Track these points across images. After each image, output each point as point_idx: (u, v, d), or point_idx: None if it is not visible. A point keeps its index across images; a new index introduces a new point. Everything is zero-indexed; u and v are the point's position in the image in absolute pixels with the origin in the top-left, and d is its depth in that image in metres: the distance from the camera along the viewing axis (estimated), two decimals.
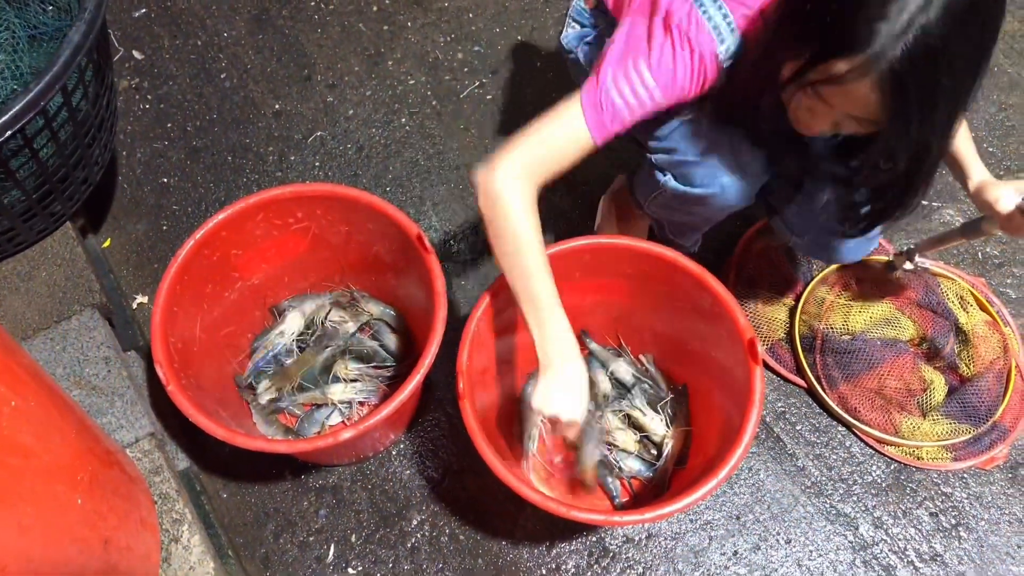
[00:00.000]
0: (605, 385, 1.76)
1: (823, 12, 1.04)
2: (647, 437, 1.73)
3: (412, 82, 2.25)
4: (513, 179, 1.22)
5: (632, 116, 1.23)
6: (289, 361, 1.76)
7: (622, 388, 1.78)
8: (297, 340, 1.78)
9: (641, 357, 1.79)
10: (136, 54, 2.30)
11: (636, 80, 1.20)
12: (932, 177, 1.19)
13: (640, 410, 1.71)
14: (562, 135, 1.24)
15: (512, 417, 1.74)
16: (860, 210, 1.35)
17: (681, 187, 1.43)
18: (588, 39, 1.56)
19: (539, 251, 1.25)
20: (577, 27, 1.58)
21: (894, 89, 1.00)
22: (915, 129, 1.06)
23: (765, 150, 1.39)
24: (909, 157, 1.14)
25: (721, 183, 1.39)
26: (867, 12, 0.97)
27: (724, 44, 1.19)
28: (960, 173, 1.44)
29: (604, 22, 1.52)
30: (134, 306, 1.92)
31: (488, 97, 2.22)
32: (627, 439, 1.71)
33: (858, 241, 1.54)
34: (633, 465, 1.69)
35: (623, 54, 1.22)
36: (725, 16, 1.18)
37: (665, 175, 1.44)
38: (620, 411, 1.73)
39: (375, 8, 2.38)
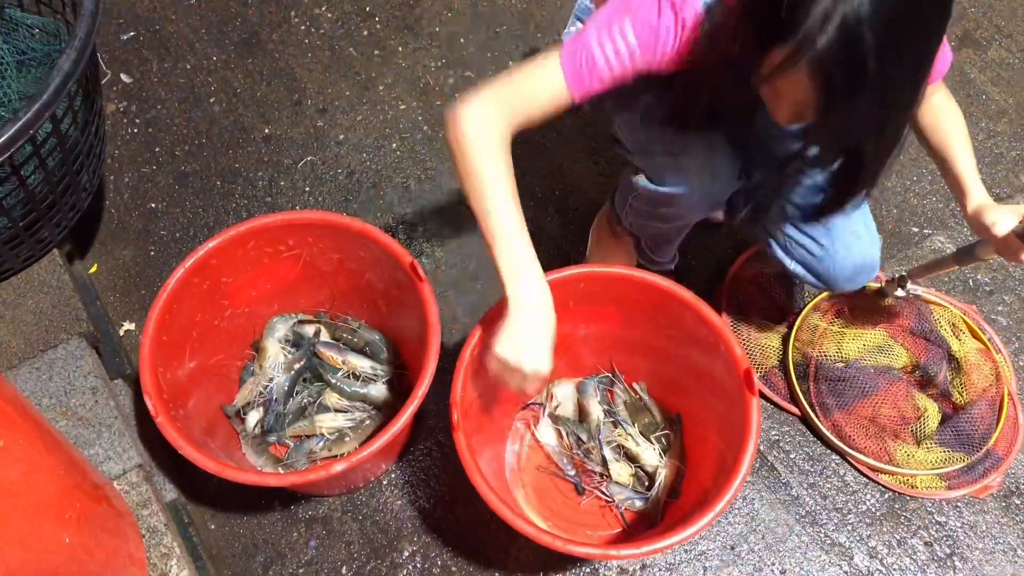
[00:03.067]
0: (597, 412, 1.75)
1: (763, 3, 1.03)
2: (640, 467, 1.71)
3: (403, 107, 2.25)
4: (484, 117, 1.18)
5: (611, 73, 1.20)
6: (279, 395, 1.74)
7: (614, 416, 1.77)
8: (283, 367, 1.75)
9: (635, 385, 1.78)
10: (124, 78, 2.28)
11: (618, 37, 1.18)
12: (877, 172, 1.18)
13: (634, 439, 1.70)
14: (539, 81, 1.21)
15: (502, 438, 1.73)
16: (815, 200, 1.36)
17: (652, 186, 1.44)
18: None
19: (507, 190, 1.19)
20: (580, 25, 1.58)
21: (821, 77, 1.00)
22: (841, 121, 1.06)
23: (736, 148, 1.40)
24: (840, 150, 1.14)
25: (690, 183, 1.40)
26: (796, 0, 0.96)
27: (709, 11, 1.16)
28: (959, 193, 1.43)
29: None
30: (121, 333, 1.89)
31: None
32: (622, 471, 1.69)
33: (855, 267, 1.54)
34: (624, 494, 1.68)
35: (611, 13, 1.20)
36: None
37: (637, 175, 1.45)
38: (613, 442, 1.71)
39: (365, 32, 2.38)
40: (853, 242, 1.52)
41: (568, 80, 1.20)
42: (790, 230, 1.56)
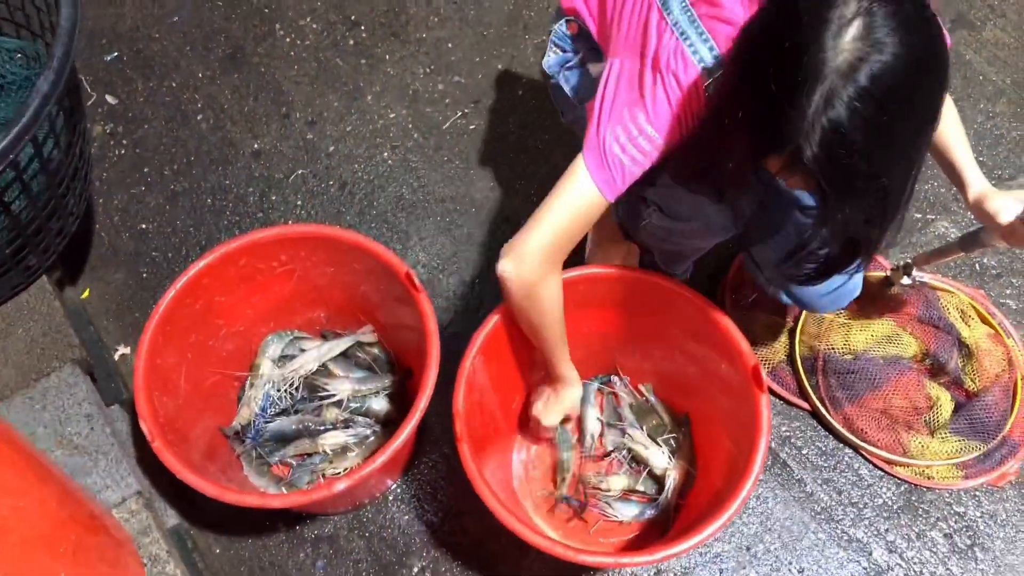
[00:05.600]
0: (593, 424, 1.73)
1: (754, 114, 1.02)
2: (649, 472, 1.67)
3: (393, 115, 2.22)
4: (544, 272, 1.28)
5: (641, 168, 1.21)
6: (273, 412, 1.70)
7: (618, 422, 1.73)
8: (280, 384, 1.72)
9: (640, 387, 1.75)
10: (109, 99, 2.25)
11: (636, 132, 1.18)
12: (876, 249, 1.17)
13: (642, 443, 1.66)
14: (576, 204, 1.23)
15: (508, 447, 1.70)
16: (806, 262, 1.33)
17: (666, 221, 1.41)
18: (570, 64, 1.53)
19: (563, 325, 1.39)
20: (559, 52, 1.55)
21: (818, 179, 0.99)
22: (839, 217, 1.05)
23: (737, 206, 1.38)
24: (840, 240, 1.14)
25: (706, 213, 1.36)
26: (784, 111, 0.95)
27: (709, 73, 1.15)
28: (958, 182, 1.40)
29: (585, 47, 1.49)
30: (116, 358, 1.86)
31: (471, 127, 2.19)
32: (617, 483, 1.66)
33: (835, 294, 1.50)
34: (630, 511, 1.64)
35: (616, 104, 1.20)
36: (706, 41, 1.15)
37: (649, 207, 1.41)
38: (622, 447, 1.68)
39: (352, 42, 2.35)
40: None
41: (601, 188, 1.22)
42: None
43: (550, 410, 1.56)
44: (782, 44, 0.95)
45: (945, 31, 1.26)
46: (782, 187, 1.15)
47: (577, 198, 1.23)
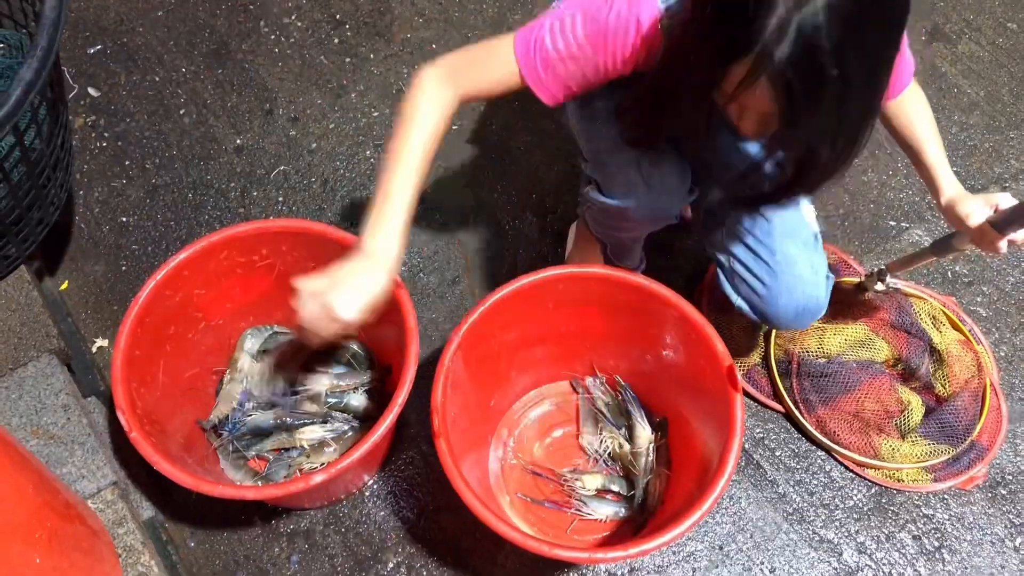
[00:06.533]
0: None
1: (719, 18, 1.01)
2: (625, 473, 1.69)
3: (376, 114, 2.22)
4: (435, 76, 1.23)
5: (564, 68, 1.20)
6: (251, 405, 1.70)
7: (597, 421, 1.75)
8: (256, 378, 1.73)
9: (618, 387, 1.76)
10: (92, 91, 2.24)
11: (568, 31, 1.18)
12: (826, 177, 1.18)
13: (619, 438, 1.68)
14: (495, 59, 1.24)
15: (485, 444, 1.71)
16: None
17: (601, 197, 1.45)
18: None
19: (418, 145, 1.20)
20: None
21: (783, 88, 0.99)
22: (802, 130, 1.06)
23: (689, 162, 1.41)
24: (797, 159, 1.15)
25: (636, 196, 1.40)
26: (751, 11, 0.95)
27: (669, 13, 1.15)
28: (931, 186, 1.43)
29: None
30: (94, 350, 1.86)
31: (453, 128, 2.20)
32: (592, 482, 1.68)
33: (798, 309, 1.50)
34: (605, 509, 1.66)
35: (567, 4, 1.21)
36: None
37: (590, 184, 1.45)
38: (606, 448, 1.70)
39: (336, 40, 2.36)
40: (796, 284, 1.47)
41: (520, 65, 1.22)
42: (736, 265, 1.53)
43: (322, 275, 1.19)
44: None
45: (910, 56, 1.31)
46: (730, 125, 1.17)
47: (496, 58, 1.24)
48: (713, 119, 1.24)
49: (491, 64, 1.24)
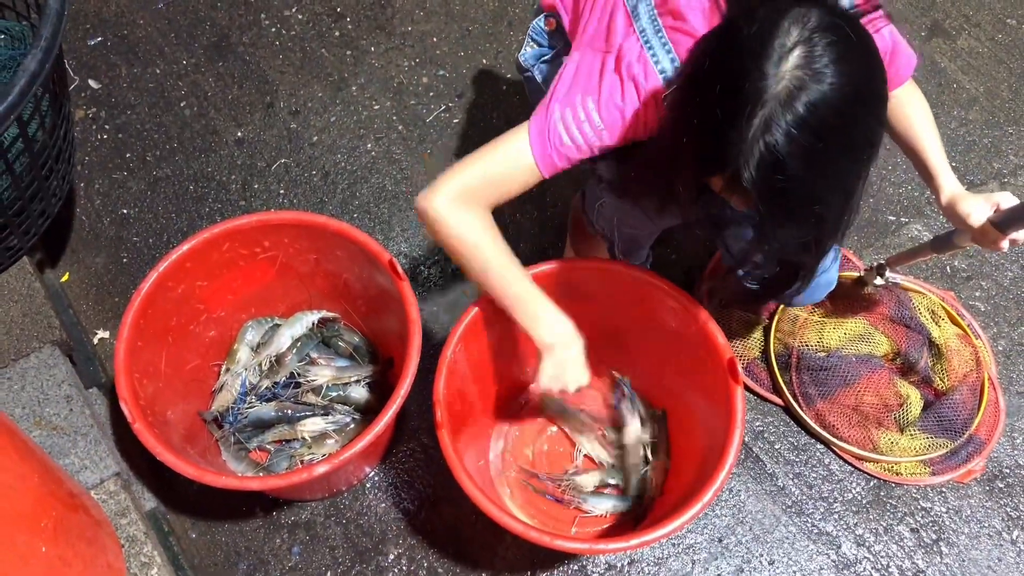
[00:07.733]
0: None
1: (700, 133, 1.03)
2: (621, 466, 1.70)
3: (377, 107, 2.23)
4: (453, 205, 1.21)
5: (580, 154, 1.21)
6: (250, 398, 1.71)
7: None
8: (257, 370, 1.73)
9: (619, 380, 1.76)
10: (93, 83, 2.24)
11: (583, 118, 1.18)
12: (812, 273, 1.22)
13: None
14: (508, 161, 1.22)
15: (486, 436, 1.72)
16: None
17: (618, 200, 1.44)
18: (545, 58, 1.55)
19: (504, 258, 1.26)
20: (535, 46, 1.57)
21: (753, 204, 1.01)
22: (774, 240, 1.08)
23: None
24: (774, 262, 1.18)
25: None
26: (726, 132, 0.96)
27: (669, 84, 1.16)
28: (931, 185, 1.43)
29: (562, 43, 1.51)
30: (95, 341, 1.86)
31: (454, 121, 2.20)
32: (588, 481, 1.68)
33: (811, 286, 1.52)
34: (604, 504, 1.66)
35: (572, 88, 1.20)
36: (669, 52, 1.16)
37: (602, 183, 1.44)
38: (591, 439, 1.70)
39: (337, 33, 2.36)
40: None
41: (537, 160, 1.21)
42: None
43: (547, 374, 1.34)
44: (727, 67, 0.97)
45: (911, 51, 1.30)
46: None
47: (512, 159, 1.22)
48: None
49: (509, 173, 1.22)
